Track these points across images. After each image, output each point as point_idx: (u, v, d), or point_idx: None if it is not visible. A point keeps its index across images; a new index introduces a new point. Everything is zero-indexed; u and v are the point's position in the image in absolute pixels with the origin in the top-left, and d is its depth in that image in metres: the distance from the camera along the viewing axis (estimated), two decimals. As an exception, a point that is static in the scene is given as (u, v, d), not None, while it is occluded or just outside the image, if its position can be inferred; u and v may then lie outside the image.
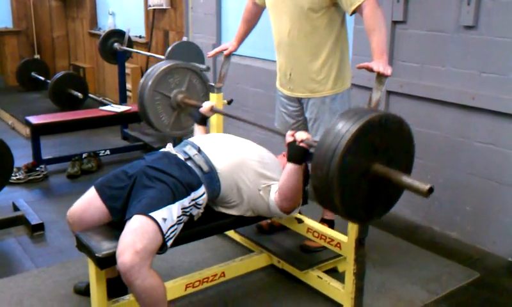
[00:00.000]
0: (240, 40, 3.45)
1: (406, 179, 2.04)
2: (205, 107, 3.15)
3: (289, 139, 2.53)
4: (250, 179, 2.67)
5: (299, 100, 3.14)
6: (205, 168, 2.61)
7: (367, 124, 2.02)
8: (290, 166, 2.55)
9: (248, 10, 3.36)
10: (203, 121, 3.21)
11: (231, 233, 3.52)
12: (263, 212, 2.76)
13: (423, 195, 1.97)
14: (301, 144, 2.48)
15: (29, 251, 3.51)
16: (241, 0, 3.54)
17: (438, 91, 3.59)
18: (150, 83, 3.33)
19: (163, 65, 3.41)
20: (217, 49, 3.49)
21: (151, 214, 2.29)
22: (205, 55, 4.78)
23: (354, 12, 2.79)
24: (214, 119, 3.38)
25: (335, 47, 2.98)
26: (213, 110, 3.17)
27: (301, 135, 2.49)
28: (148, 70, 3.42)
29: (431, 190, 1.94)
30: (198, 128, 3.20)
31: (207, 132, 3.26)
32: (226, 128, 3.49)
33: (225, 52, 3.42)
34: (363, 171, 2.08)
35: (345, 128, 2.02)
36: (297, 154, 2.51)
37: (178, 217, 2.39)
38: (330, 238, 2.87)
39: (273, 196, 2.66)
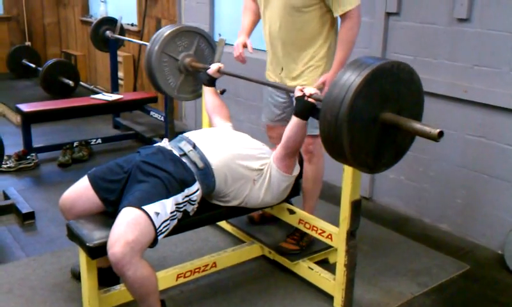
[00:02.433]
0: (250, 32, 3.29)
1: (416, 124, 2.06)
2: (213, 68, 3.19)
3: (298, 93, 2.57)
4: (245, 173, 2.69)
5: (288, 92, 3.14)
6: (200, 164, 2.60)
7: (377, 70, 2.03)
8: (296, 120, 2.59)
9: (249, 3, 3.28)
10: (211, 82, 3.24)
11: (223, 224, 3.52)
12: (255, 205, 2.77)
13: (433, 139, 1.99)
14: (310, 100, 2.52)
15: (20, 239, 3.49)
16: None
17: (430, 83, 3.58)
18: (158, 44, 3.38)
19: (172, 27, 3.46)
20: (241, 49, 3.20)
21: (143, 207, 2.28)
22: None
23: (340, 15, 2.85)
24: (206, 117, 3.36)
25: (325, 42, 2.98)
26: (220, 71, 3.19)
27: (309, 90, 2.53)
28: (157, 32, 3.48)
29: (441, 134, 1.97)
30: (206, 90, 3.24)
31: (216, 93, 3.28)
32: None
33: (249, 46, 3.19)
34: (372, 118, 2.10)
35: (355, 74, 2.03)
36: (304, 109, 2.55)
37: (171, 212, 2.39)
38: (321, 230, 2.88)
39: (273, 157, 2.73)
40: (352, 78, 2.02)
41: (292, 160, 2.74)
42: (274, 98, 3.22)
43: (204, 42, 3.54)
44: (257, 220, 3.39)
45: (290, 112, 3.15)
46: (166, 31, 3.42)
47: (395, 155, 2.30)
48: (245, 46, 3.20)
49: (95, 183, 2.57)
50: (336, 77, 2.10)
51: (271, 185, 2.74)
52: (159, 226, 2.31)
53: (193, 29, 3.52)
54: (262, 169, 2.73)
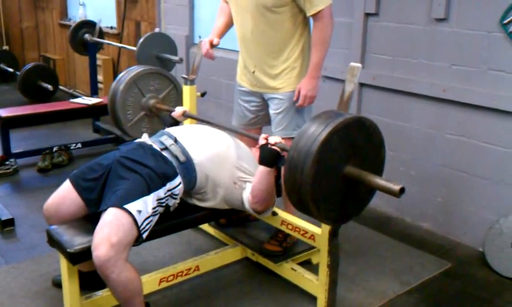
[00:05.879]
0: (221, 34, 3.29)
1: (379, 181, 2.08)
2: (178, 111, 3.12)
3: (262, 141, 2.54)
4: (226, 170, 2.67)
5: (261, 96, 3.13)
6: (182, 158, 2.59)
7: (342, 124, 2.05)
8: (262, 169, 2.56)
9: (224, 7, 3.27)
10: (175, 125, 3.14)
11: (205, 226, 3.51)
12: (237, 206, 2.76)
13: (394, 195, 2.01)
14: (274, 147, 2.49)
15: (-1, 246, 3.46)
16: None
17: (409, 84, 3.62)
18: (134, 73, 3.31)
19: (154, 67, 3.46)
20: (208, 46, 3.20)
21: (125, 206, 2.27)
22: (178, 46, 4.75)
23: (312, 15, 2.84)
24: (188, 121, 3.34)
25: (299, 43, 2.98)
26: (185, 115, 3.13)
27: (274, 139, 2.51)
28: (137, 66, 3.42)
29: (402, 190, 1.99)
30: None
31: None
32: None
33: (215, 42, 3.21)
34: (337, 171, 2.11)
35: (321, 127, 2.04)
36: (269, 157, 2.52)
37: (153, 208, 2.38)
38: (304, 231, 2.88)
39: (247, 195, 2.68)
40: (319, 131, 2.04)
41: (263, 206, 2.68)
42: (247, 102, 3.21)
43: (175, 94, 3.48)
44: (224, 222, 3.39)
45: (263, 117, 3.17)
46: (144, 67, 3.39)
47: (359, 207, 2.31)
48: (212, 44, 3.19)
49: (76, 184, 2.55)
50: (303, 129, 2.11)
51: (244, 204, 2.72)
52: (142, 224, 2.31)
53: (173, 78, 3.47)
54: (244, 170, 2.71)
